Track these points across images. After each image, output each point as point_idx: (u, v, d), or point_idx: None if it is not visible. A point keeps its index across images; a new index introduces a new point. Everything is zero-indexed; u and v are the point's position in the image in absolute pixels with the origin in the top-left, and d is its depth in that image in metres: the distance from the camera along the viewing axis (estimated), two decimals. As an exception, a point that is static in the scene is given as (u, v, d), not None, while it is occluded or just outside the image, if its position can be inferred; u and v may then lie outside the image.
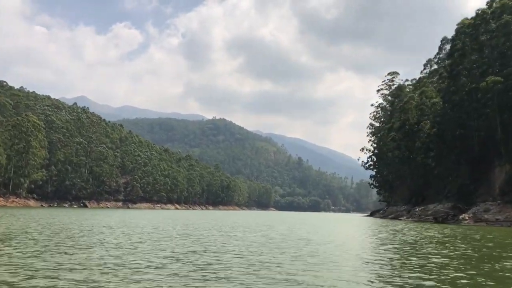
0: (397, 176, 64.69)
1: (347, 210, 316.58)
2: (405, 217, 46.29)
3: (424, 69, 70.44)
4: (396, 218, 50.17)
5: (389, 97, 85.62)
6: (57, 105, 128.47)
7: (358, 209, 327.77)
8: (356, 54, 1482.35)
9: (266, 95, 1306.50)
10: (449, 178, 42.43)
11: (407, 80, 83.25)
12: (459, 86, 38.74)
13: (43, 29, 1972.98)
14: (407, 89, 75.97)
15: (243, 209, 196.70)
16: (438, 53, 67.11)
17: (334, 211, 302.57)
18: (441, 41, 65.70)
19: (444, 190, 43.06)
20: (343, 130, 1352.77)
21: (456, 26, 44.02)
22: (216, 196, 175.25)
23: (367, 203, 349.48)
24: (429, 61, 68.46)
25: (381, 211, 66.67)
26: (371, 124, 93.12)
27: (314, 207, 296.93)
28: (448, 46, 63.85)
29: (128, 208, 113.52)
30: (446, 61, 43.63)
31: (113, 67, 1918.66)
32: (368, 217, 71.36)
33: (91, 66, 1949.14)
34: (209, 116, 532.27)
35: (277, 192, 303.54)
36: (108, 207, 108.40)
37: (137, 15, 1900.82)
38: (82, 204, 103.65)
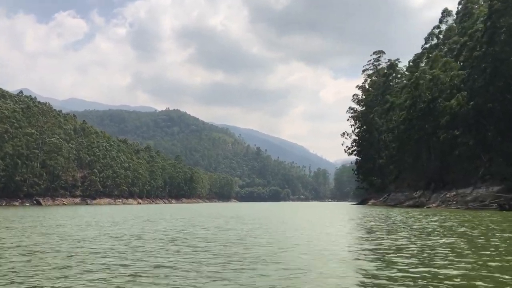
0: (397, 160, 60.74)
1: (306, 199, 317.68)
2: (435, 205, 41.47)
3: (426, 43, 66.75)
4: (415, 206, 45.06)
5: (374, 77, 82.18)
6: (1, 94, 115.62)
7: (316, 197, 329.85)
8: (307, 45, 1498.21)
9: (219, 86, 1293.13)
10: (483, 159, 38.52)
11: (397, 59, 79.45)
12: (503, 49, 34.50)
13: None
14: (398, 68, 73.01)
15: (206, 202, 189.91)
16: (437, 27, 63.88)
17: (293, 200, 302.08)
18: (442, 13, 62.59)
19: (477, 172, 39.10)
20: (294, 121, 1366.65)
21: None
22: (179, 189, 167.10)
23: (324, 191, 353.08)
24: (430, 34, 64.88)
25: (382, 199, 61.68)
26: (351, 108, 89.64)
27: (274, 197, 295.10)
28: (449, 19, 60.81)
29: (87, 204, 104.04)
30: (479, 26, 39.67)
31: (57, 58, 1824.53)
32: (370, 206, 61.50)
33: (33, 57, 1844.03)
34: (160, 108, 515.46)
35: (237, 183, 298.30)
36: (65, 204, 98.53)
37: (81, 3, 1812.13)
38: (35, 202, 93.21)
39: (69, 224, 23.04)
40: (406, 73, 68.49)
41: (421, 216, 26.13)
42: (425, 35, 66.73)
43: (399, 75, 75.50)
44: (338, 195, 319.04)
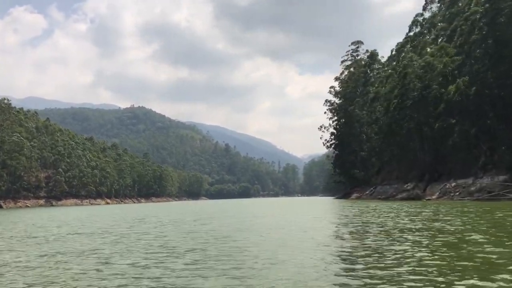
0: (380, 152, 59.40)
1: (276, 195, 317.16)
2: (434, 197, 39.59)
3: (410, 31, 65.29)
4: (410, 198, 43.30)
5: (352, 69, 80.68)
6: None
7: (286, 193, 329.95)
8: (271, 41, 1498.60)
9: (183, 82, 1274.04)
10: (483, 148, 37.18)
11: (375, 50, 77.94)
12: (506, 31, 33.00)
13: None
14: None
15: (176, 200, 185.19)
16: (421, 14, 62.80)
17: (263, 196, 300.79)
18: (426, 0, 61.55)
19: (476, 161, 37.73)
20: (260, 116, 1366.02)
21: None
22: (148, 187, 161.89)
23: (294, 186, 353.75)
24: (414, 22, 63.61)
25: (368, 192, 59.76)
26: (328, 100, 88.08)
27: (244, 194, 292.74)
28: (433, 6, 59.77)
29: (52, 205, 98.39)
30: (474, 9, 38.11)
31: (13, 55, 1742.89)
32: (355, 200, 57.91)
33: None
34: (124, 105, 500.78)
35: (206, 180, 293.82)
36: (28, 206, 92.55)
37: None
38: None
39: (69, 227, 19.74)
40: (386, 63, 67.53)
41: (446, 211, 22.65)
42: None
43: (380, 66, 74.54)
44: (308, 190, 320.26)
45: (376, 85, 64.05)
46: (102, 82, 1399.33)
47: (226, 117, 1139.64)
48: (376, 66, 75.97)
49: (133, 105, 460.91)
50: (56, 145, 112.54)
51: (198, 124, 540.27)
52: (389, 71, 58.57)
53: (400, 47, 63.05)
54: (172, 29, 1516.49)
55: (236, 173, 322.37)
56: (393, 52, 66.94)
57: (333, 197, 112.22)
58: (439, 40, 49.41)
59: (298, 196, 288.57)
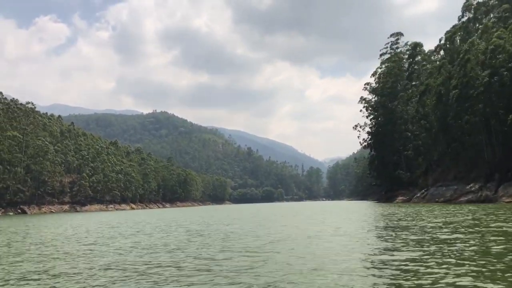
0: (427, 152, 53.83)
1: (300, 199, 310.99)
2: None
3: (463, 17, 59.21)
4: (479, 201, 37.52)
5: (392, 62, 74.86)
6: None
7: (310, 196, 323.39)
8: (291, 44, 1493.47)
9: (204, 88, 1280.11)
10: None
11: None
12: None
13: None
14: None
15: (200, 205, 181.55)
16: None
17: (287, 200, 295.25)
18: None
19: None
20: (281, 120, 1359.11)
21: None
22: (173, 192, 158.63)
23: (318, 190, 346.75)
24: (467, 7, 57.44)
25: (420, 195, 53.52)
26: (363, 98, 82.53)
27: (268, 198, 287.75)
28: None
29: (76, 211, 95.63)
30: None
31: (38, 63, 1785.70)
32: (406, 204, 49.79)
33: (13, 62, 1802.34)
34: (145, 111, 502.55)
35: (229, 184, 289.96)
36: (53, 212, 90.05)
37: (62, 7, 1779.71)
38: (19, 211, 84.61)
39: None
40: (433, 54, 61.81)
41: None
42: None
43: (425, 57, 68.60)
44: (332, 194, 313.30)
45: (425, 78, 58.39)
46: (124, 89, 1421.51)
47: (246, 122, 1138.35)
48: (419, 58, 70.18)
49: (155, 110, 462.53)
50: (80, 149, 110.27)
51: (219, 129, 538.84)
52: (442, 61, 52.98)
53: (451, 35, 57.20)
54: (192, 35, 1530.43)
55: (259, 177, 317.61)
56: (442, 41, 61.12)
57: (367, 201, 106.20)
58: (509, 22, 43.68)
59: (323, 200, 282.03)
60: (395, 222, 20.24)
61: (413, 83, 62.96)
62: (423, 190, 53.63)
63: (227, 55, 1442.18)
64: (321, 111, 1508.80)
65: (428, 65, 62.90)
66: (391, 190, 71.21)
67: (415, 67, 69.40)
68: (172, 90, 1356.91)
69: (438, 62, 53.30)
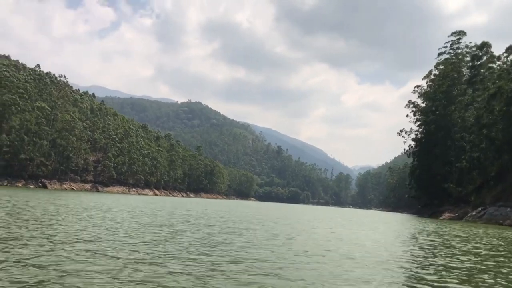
0: (484, 164, 46.96)
1: (326, 203, 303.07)
2: None
3: None
4: None
5: (451, 64, 67.49)
6: (15, 65, 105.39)
7: (337, 202, 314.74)
8: (331, 47, 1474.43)
9: (239, 82, 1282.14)
10: None
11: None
12: None
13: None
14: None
15: (224, 198, 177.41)
16: None
17: (313, 203, 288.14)
18: None
19: None
20: (313, 123, 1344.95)
21: None
22: (199, 182, 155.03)
23: (346, 196, 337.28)
24: None
25: (475, 213, 45.86)
26: (410, 102, 75.43)
27: (293, 199, 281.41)
28: None
29: (98, 191, 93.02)
30: None
31: (82, 44, 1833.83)
32: (461, 223, 41.96)
33: (59, 42, 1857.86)
34: (180, 100, 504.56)
35: (255, 180, 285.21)
36: (74, 189, 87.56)
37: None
38: (40, 184, 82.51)
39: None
40: (504, 55, 54.42)
41: None
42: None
43: (494, 58, 61.04)
44: (360, 203, 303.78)
45: (492, 82, 51.08)
46: (161, 77, 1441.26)
47: (278, 121, 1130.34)
48: (485, 59, 62.54)
49: (190, 100, 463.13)
50: (108, 128, 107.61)
51: (251, 125, 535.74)
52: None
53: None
54: (233, 29, 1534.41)
55: (286, 176, 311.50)
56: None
57: (400, 213, 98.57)
58: None
59: (350, 207, 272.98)
60: None
61: (475, 87, 55.79)
62: (480, 209, 46.49)
63: (265, 52, 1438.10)
64: (356, 118, 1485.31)
65: (496, 67, 55.55)
66: (432, 204, 63.89)
67: (481, 70, 61.86)
68: (208, 82, 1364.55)
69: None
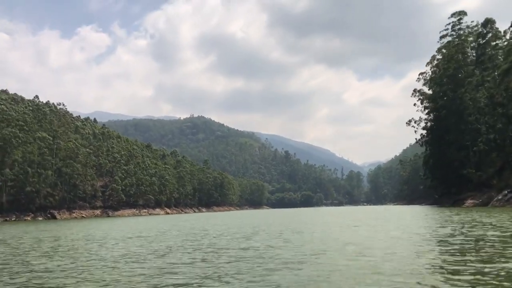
0: (504, 145, 44.70)
1: (340, 203, 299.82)
2: None
3: None
4: None
5: (454, 46, 65.33)
6: (14, 98, 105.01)
7: (350, 201, 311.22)
8: (327, 46, 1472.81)
9: (239, 92, 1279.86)
10: None
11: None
12: None
13: (5, 36, 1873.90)
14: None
15: (237, 209, 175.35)
16: None
17: (327, 205, 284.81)
18: None
19: None
20: (318, 124, 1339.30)
21: None
22: (209, 196, 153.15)
23: (359, 194, 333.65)
24: None
25: (501, 197, 43.53)
26: (416, 90, 73.29)
27: (306, 202, 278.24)
28: None
29: (108, 216, 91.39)
30: None
31: (80, 72, 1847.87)
32: (486, 209, 39.75)
33: (57, 72, 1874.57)
34: (182, 117, 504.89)
35: (266, 188, 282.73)
36: (84, 217, 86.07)
37: (103, 17, 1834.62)
38: (49, 215, 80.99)
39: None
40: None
41: None
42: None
43: (500, 34, 58.78)
44: (374, 199, 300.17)
45: (503, 58, 48.93)
46: (162, 95, 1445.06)
47: (282, 126, 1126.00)
48: (490, 36, 60.27)
49: (193, 115, 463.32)
50: (112, 151, 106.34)
51: (255, 133, 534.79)
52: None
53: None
54: (227, 40, 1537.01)
55: (297, 181, 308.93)
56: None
57: (418, 205, 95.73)
58: None
59: (365, 204, 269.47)
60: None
61: (483, 66, 53.72)
62: (506, 192, 43.98)
63: (262, 59, 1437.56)
64: (359, 115, 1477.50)
65: (503, 43, 53.35)
66: (450, 193, 61.18)
67: (487, 48, 59.67)
68: (208, 95, 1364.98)
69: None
